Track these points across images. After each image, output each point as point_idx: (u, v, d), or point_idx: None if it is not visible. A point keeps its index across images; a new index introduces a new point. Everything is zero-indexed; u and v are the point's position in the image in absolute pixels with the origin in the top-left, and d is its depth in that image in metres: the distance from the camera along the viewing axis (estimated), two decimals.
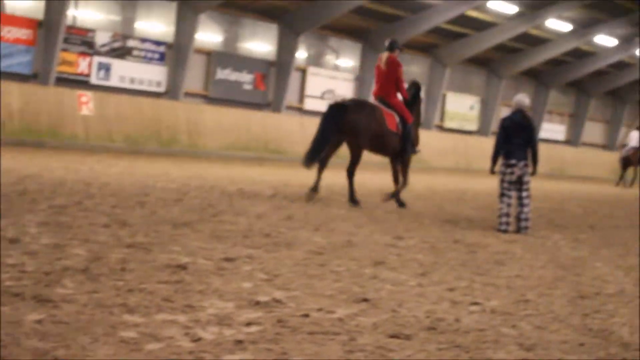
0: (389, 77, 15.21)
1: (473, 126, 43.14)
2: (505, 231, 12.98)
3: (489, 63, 42.90)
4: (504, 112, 37.59)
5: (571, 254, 11.18)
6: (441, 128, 41.42)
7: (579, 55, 44.65)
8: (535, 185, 27.98)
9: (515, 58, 42.55)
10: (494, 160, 13.60)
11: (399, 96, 15.52)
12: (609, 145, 52.89)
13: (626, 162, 35.87)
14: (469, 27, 37.88)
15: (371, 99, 16.05)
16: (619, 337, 6.39)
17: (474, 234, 12.42)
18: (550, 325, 6.63)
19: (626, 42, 43.39)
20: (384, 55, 15.38)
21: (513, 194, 13.35)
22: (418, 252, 9.88)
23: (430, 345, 5.66)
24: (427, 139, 38.24)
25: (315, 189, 15.39)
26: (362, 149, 15.25)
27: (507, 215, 13.17)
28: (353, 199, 15.16)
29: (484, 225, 13.74)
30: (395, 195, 15.72)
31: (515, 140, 13.31)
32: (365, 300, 6.87)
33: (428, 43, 38.81)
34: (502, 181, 13.38)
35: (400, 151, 15.54)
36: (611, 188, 34.90)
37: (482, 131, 43.54)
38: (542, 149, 44.40)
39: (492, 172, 13.68)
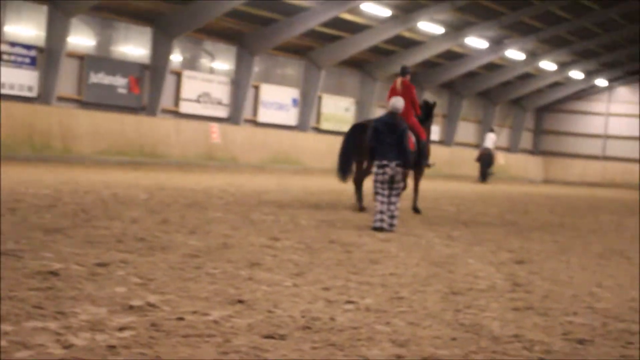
0: (405, 99, 16.07)
1: (348, 127, 43.47)
2: (380, 228, 13.16)
3: (363, 65, 43.30)
4: (380, 113, 38.05)
5: (444, 251, 11.38)
6: (317, 130, 41.61)
7: (452, 57, 45.44)
8: (410, 184, 28.40)
9: (389, 60, 43.02)
10: (371, 160, 13.88)
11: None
12: (481, 144, 54.00)
13: (480, 161, 40.80)
14: (343, 30, 38.14)
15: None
16: (489, 331, 6.52)
17: (350, 234, 12.52)
18: (423, 321, 6.73)
19: (496, 44, 44.37)
20: (398, 80, 17.00)
21: (387, 192, 13.56)
22: (294, 253, 9.91)
23: (305, 345, 5.68)
24: (303, 141, 38.58)
25: (361, 208, 16.76)
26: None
27: (382, 212, 13.36)
28: (360, 206, 16.87)
29: (360, 225, 13.86)
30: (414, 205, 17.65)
31: (388, 141, 13.55)
32: (241, 301, 6.86)
33: (303, 46, 38.93)
34: (375, 181, 13.65)
35: (415, 165, 16.73)
36: (484, 186, 35.69)
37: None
38: None
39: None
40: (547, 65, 50.29)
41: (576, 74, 53.83)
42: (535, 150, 59.72)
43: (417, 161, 16.99)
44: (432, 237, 13.03)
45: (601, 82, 56.52)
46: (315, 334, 5.98)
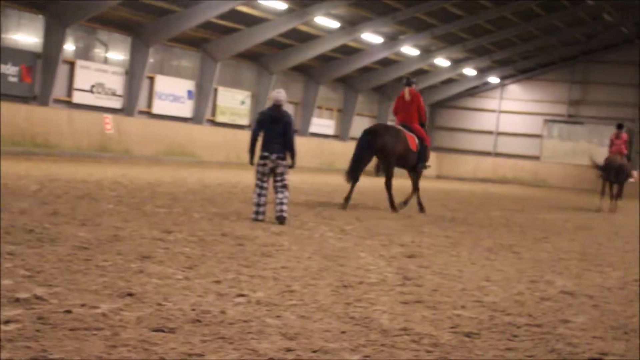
0: (412, 107, 18.73)
1: (244, 120, 43.34)
2: (261, 220, 13.42)
3: (259, 58, 43.21)
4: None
5: (337, 244, 11.44)
6: (213, 122, 41.38)
7: (347, 51, 45.67)
8: (305, 179, 28.53)
9: (286, 54, 43.06)
10: (251, 153, 14.21)
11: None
12: None
13: None
14: (240, 22, 37.99)
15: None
16: (379, 324, 6.58)
17: (243, 226, 12.50)
18: (314, 314, 6.76)
19: (391, 39, 44.79)
20: (406, 90, 18.81)
21: (268, 185, 13.90)
22: (186, 246, 9.85)
23: (195, 338, 5.65)
24: (198, 134, 38.35)
25: (348, 199, 18.26)
26: (393, 165, 18.56)
27: (259, 205, 13.65)
28: (393, 206, 18.47)
29: (251, 219, 13.84)
30: (406, 202, 19.14)
31: (270, 134, 13.87)
32: (130, 294, 6.79)
33: (199, 37, 38.64)
34: (257, 172, 13.91)
35: (414, 166, 19.03)
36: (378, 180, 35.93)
37: (253, 126, 43.71)
38: (312, 144, 45.22)
39: (251, 163, 14.26)
40: (441, 61, 51.02)
41: (469, 71, 54.76)
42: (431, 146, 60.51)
43: (417, 162, 18.96)
44: (325, 230, 13.08)
45: (493, 79, 57.61)
46: (205, 327, 5.95)
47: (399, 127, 18.83)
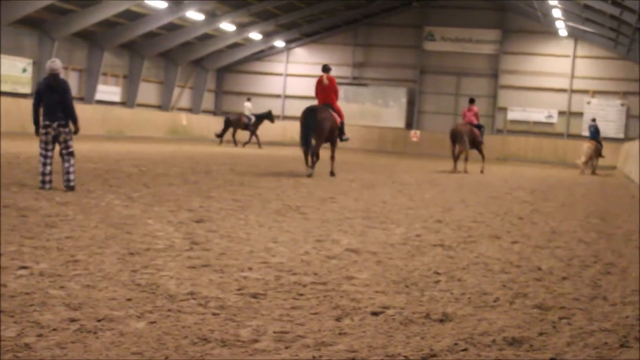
0: (331, 89, 22.67)
1: (27, 89, 42.01)
2: (49, 189, 13.44)
3: (41, 24, 41.88)
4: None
5: (124, 212, 11.31)
6: None
7: (132, 16, 44.86)
8: (92, 147, 27.98)
9: (68, 19, 41.88)
10: (36, 124, 14.13)
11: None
12: (163, 106, 53.96)
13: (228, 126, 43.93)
14: None
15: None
16: (165, 290, 6.57)
17: (26, 197, 12.16)
18: (100, 283, 6.67)
19: (175, 4, 44.33)
20: (324, 75, 22.70)
21: (53, 154, 13.89)
22: None
23: None
24: None
25: (311, 165, 21.93)
26: (324, 137, 22.12)
27: (44, 174, 13.67)
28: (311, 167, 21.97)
29: (37, 188, 13.49)
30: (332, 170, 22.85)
31: (50, 103, 13.91)
32: None
33: None
34: (40, 141, 13.94)
35: (333, 139, 22.71)
36: (168, 147, 35.65)
37: (34, 96, 42.35)
38: (98, 111, 44.29)
39: (37, 134, 14.16)
40: (227, 26, 50.93)
41: (255, 35, 54.94)
42: (217, 111, 60.45)
43: (339, 136, 22.69)
44: (111, 198, 12.90)
45: (279, 43, 58.03)
46: None
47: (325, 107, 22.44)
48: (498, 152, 52.83)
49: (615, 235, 12.36)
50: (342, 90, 57.82)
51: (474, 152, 31.71)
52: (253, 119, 44.40)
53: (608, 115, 53.46)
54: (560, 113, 54.62)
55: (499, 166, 40.68)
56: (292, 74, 59.61)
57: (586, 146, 37.88)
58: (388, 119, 57.46)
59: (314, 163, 22.08)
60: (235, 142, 44.41)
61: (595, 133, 39.20)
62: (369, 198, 16.40)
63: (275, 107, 58.96)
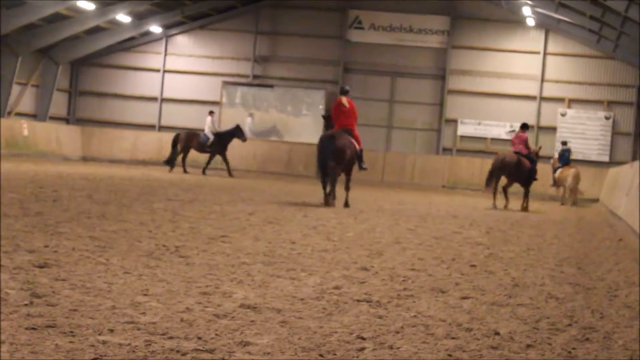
0: (352, 114, 26.96)
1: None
2: None
3: None
4: None
5: None
6: None
7: None
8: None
9: None
10: None
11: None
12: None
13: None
14: None
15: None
16: None
17: None
18: None
19: None
20: (344, 98, 26.82)
21: None
22: None
23: None
24: None
25: (330, 195, 26.55)
26: (343, 166, 26.74)
27: None
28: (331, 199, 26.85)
29: None
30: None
31: None
32: None
33: None
34: None
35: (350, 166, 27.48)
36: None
37: None
38: None
39: None
40: (85, 4, 50.06)
41: (123, 17, 54.30)
42: (71, 118, 59.89)
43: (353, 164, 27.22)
44: None
45: (155, 28, 57.62)
46: None
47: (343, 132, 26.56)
48: (445, 178, 53.33)
49: (596, 289, 12.55)
50: (239, 93, 57.97)
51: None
52: (211, 138, 44.40)
53: (588, 131, 53.97)
54: None
55: (446, 196, 41.13)
56: (172, 69, 59.33)
57: (570, 174, 39.11)
58: (300, 132, 57.20)
59: (333, 194, 26.14)
60: (184, 168, 44.40)
61: (568, 160, 40.34)
62: (273, 237, 16.41)
63: (150, 114, 58.54)
